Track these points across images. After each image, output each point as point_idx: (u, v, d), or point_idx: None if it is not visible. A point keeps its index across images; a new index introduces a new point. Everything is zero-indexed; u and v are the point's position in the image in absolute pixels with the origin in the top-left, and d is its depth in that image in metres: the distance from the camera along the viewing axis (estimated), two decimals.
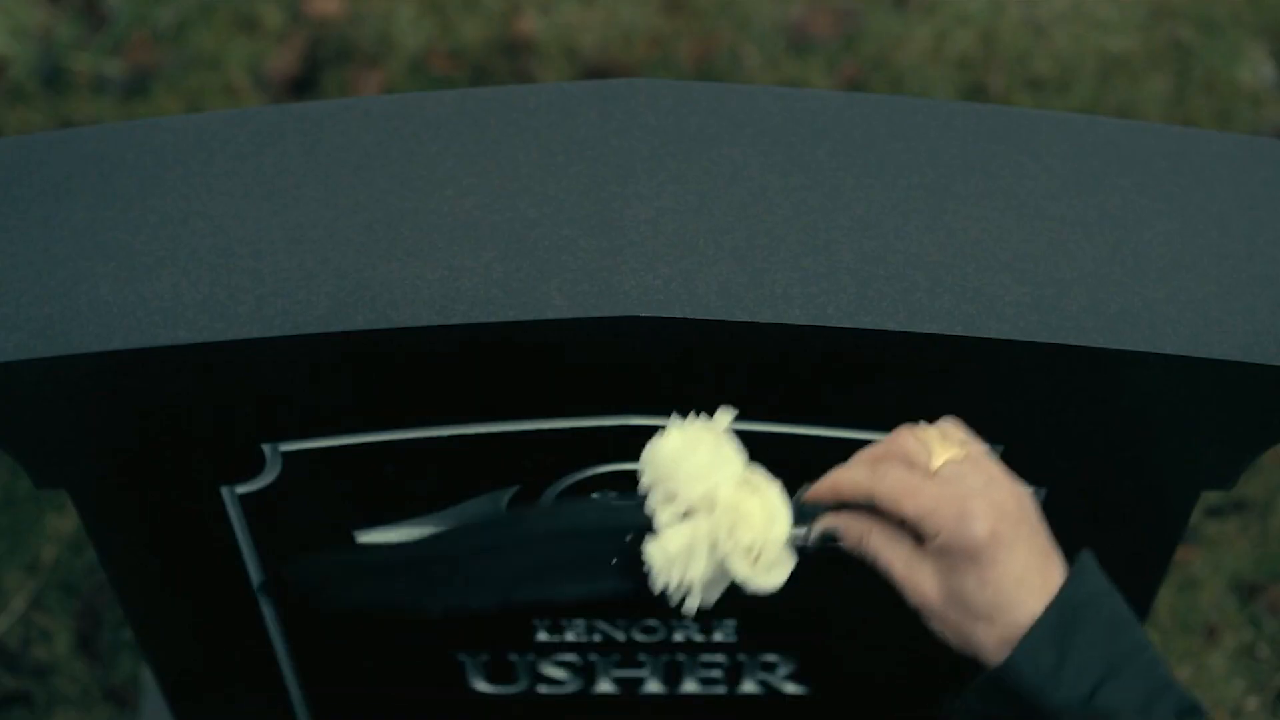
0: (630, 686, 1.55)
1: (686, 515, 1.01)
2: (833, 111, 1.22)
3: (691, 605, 1.02)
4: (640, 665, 1.52)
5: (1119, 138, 1.24)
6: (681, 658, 1.51)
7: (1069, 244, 1.17)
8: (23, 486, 2.02)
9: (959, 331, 1.13)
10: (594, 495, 1.04)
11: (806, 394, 1.21)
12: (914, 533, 1.00)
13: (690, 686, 1.55)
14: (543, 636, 1.47)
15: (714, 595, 1.03)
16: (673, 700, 1.56)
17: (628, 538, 1.02)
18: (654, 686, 1.55)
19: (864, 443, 1.24)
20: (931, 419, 1.22)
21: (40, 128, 2.36)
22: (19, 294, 1.14)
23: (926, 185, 1.19)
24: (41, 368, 1.13)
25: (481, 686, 1.54)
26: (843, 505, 1.03)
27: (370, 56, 2.44)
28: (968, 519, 0.97)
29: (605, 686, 1.54)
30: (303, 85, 2.42)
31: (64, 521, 2.01)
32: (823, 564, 1.39)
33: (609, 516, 1.03)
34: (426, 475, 1.28)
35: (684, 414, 1.23)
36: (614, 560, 1.02)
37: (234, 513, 1.30)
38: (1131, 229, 1.19)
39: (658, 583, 1.02)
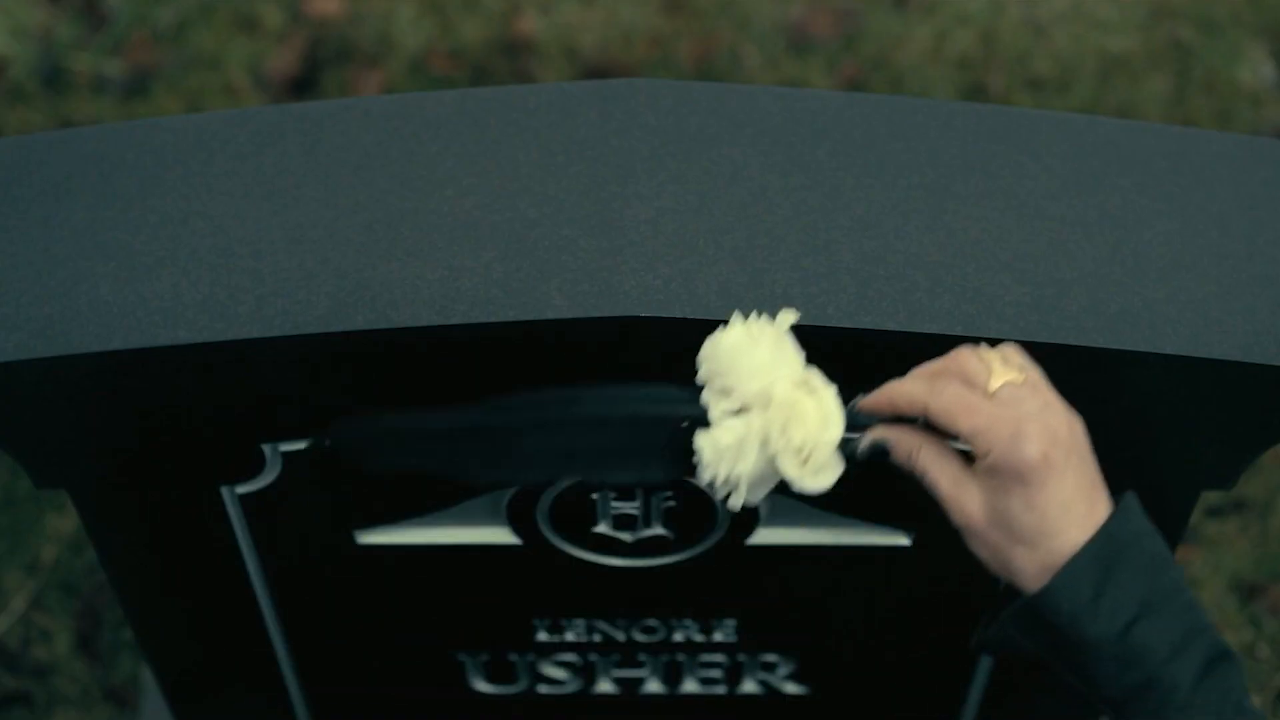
0: (630, 686, 1.55)
1: (740, 411, 1.01)
2: (833, 111, 1.22)
3: (736, 502, 1.02)
4: (640, 665, 1.52)
5: (1119, 138, 1.24)
6: (681, 658, 1.51)
7: (1069, 244, 1.17)
8: (23, 486, 2.03)
9: (959, 331, 1.13)
10: (651, 385, 1.04)
11: None
12: (964, 452, 1.00)
13: (690, 686, 1.55)
14: (543, 636, 1.47)
15: (759, 494, 1.03)
16: (673, 700, 1.56)
17: (681, 427, 1.02)
18: (654, 686, 1.55)
19: None
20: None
21: (40, 128, 2.36)
22: (19, 294, 1.14)
23: (926, 185, 1.19)
24: (41, 368, 1.13)
25: (481, 686, 1.54)
26: (896, 419, 1.03)
27: (370, 56, 2.44)
28: (1021, 440, 0.97)
29: (605, 686, 1.54)
30: (303, 85, 2.42)
31: (64, 521, 2.01)
32: (824, 564, 1.39)
33: (664, 406, 1.02)
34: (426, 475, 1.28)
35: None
36: (664, 450, 1.03)
37: (234, 513, 1.30)
38: (1131, 229, 1.19)
39: (705, 475, 1.01)
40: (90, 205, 1.18)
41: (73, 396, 1.17)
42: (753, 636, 1.48)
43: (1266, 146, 1.25)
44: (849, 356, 1.16)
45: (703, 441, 1.01)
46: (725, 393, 1.02)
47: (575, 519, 1.32)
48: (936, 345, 1.12)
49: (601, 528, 1.33)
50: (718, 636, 1.48)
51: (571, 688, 1.54)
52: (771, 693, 1.56)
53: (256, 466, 1.26)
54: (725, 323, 1.04)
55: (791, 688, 1.55)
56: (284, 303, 1.13)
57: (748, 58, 2.44)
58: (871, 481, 1.30)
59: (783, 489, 1.04)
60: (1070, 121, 1.25)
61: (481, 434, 1.01)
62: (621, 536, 1.34)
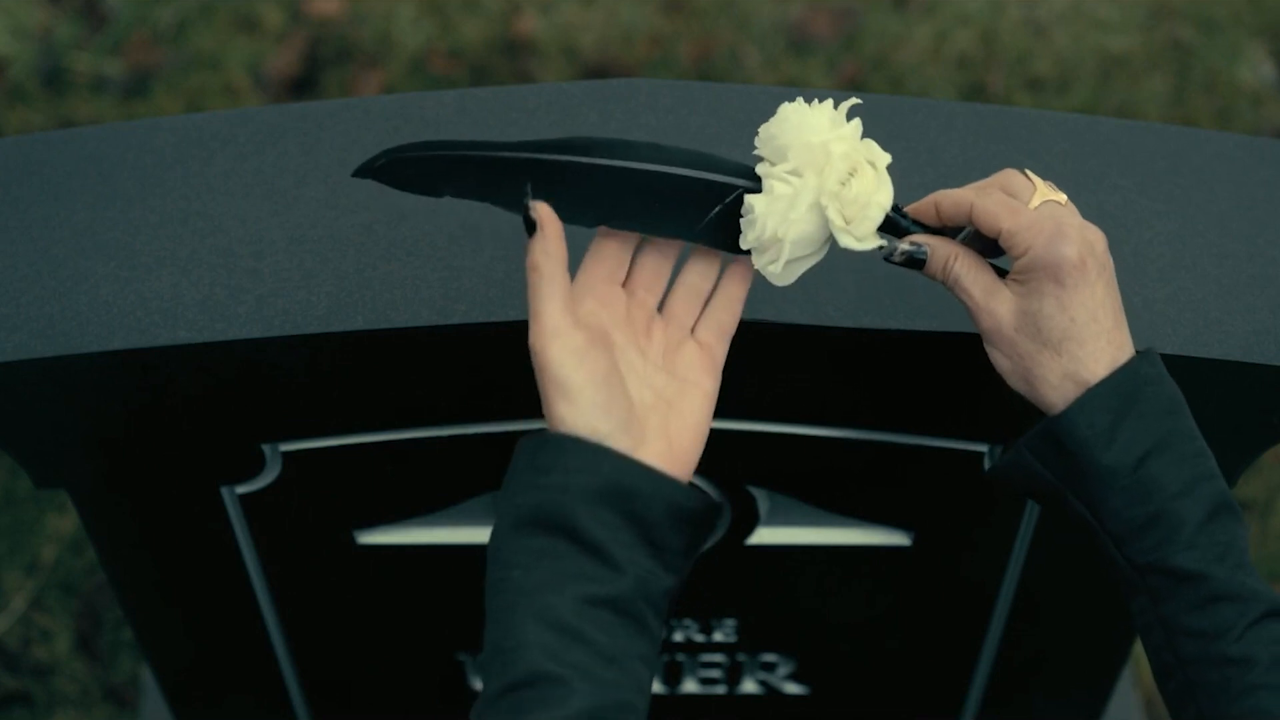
0: None
1: (794, 173, 1.01)
2: None
3: (776, 268, 1.02)
4: None
5: (1119, 138, 1.24)
6: (681, 658, 1.51)
7: None
8: (23, 486, 2.03)
9: (959, 330, 1.13)
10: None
11: (806, 394, 1.21)
12: (997, 272, 1.04)
13: (690, 686, 1.55)
14: None
15: (799, 269, 1.03)
16: (673, 700, 1.56)
17: (732, 195, 1.03)
18: (654, 687, 1.54)
19: (864, 443, 1.24)
20: (933, 419, 1.22)
21: (40, 128, 2.36)
22: (19, 294, 1.14)
23: (927, 185, 1.19)
24: (41, 368, 1.13)
25: (482, 686, 1.54)
26: (938, 232, 1.05)
27: (370, 56, 2.44)
28: (1060, 240, 1.00)
29: None
30: (303, 85, 2.42)
31: (64, 521, 2.01)
32: (823, 565, 1.39)
33: (721, 167, 1.04)
34: (426, 475, 1.28)
35: None
36: (715, 209, 1.03)
37: (234, 513, 1.30)
38: (1131, 229, 1.19)
39: (750, 235, 1.02)
40: (90, 205, 1.19)
41: (73, 396, 1.17)
42: (753, 636, 1.48)
43: (1266, 146, 1.25)
44: (850, 356, 1.16)
45: (754, 199, 1.01)
46: (781, 156, 1.02)
47: None
48: (937, 345, 1.12)
49: None
50: (718, 636, 1.48)
51: None
52: (771, 693, 1.56)
53: (256, 466, 1.26)
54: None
55: (791, 688, 1.55)
56: (284, 303, 1.13)
57: (748, 58, 2.44)
58: (872, 482, 1.30)
59: (814, 274, 1.05)
60: (1070, 121, 1.25)
61: (532, 167, 1.02)
62: None
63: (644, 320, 1.03)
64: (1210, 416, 1.21)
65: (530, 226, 0.98)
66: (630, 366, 1.01)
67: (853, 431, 1.24)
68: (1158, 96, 2.41)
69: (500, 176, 1.02)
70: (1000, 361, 1.04)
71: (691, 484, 1.00)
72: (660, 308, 1.04)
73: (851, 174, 1.00)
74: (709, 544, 1.35)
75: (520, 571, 0.97)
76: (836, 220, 1.00)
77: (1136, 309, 1.15)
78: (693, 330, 1.04)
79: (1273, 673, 0.97)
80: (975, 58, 2.45)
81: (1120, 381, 1.01)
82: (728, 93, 1.24)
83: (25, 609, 1.96)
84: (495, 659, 0.97)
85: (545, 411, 0.98)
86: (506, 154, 1.03)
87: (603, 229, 1.02)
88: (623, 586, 0.95)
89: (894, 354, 1.15)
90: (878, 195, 1.00)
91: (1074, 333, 1.01)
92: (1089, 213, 1.19)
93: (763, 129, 1.03)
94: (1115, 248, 1.18)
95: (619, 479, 0.96)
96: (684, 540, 0.98)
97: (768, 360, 1.16)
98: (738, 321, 1.05)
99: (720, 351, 1.04)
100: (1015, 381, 1.04)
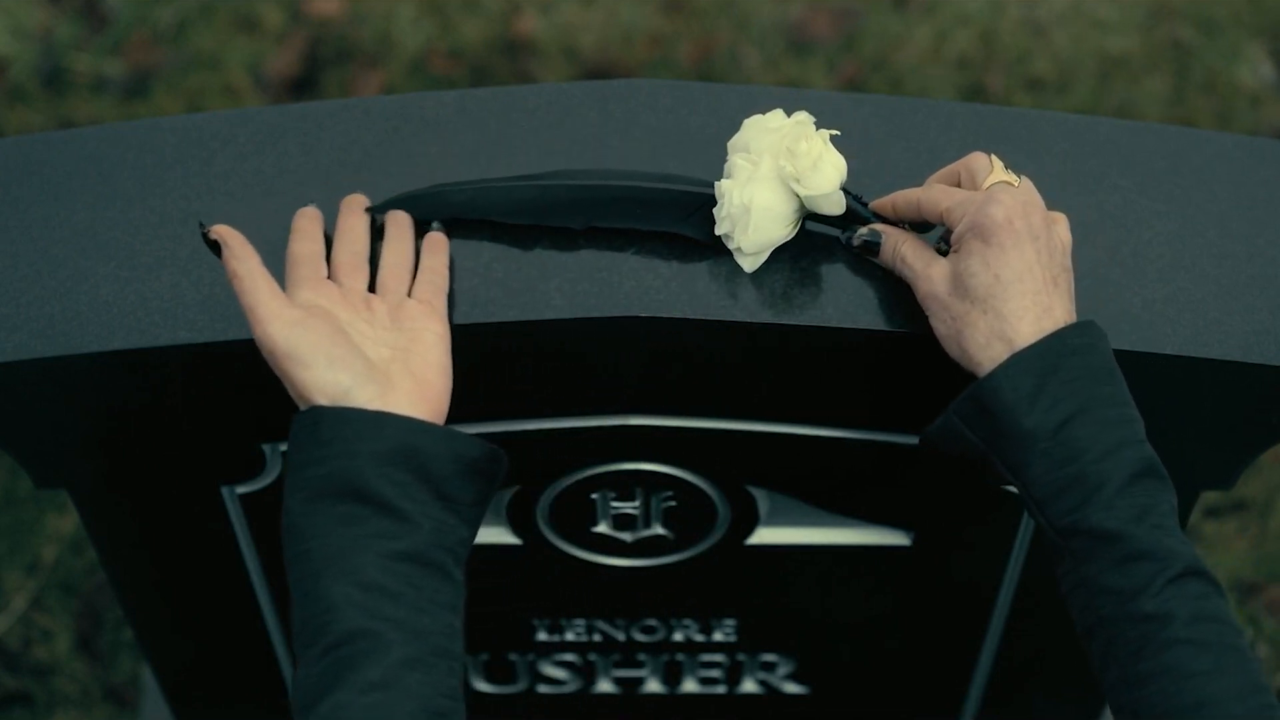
0: (630, 686, 1.55)
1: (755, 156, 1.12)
2: (832, 111, 1.22)
3: (746, 245, 1.11)
4: (640, 665, 1.52)
5: (1119, 138, 1.24)
6: (681, 658, 1.51)
7: None
8: (23, 486, 2.03)
9: None
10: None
11: (806, 394, 1.21)
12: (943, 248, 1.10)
13: (690, 686, 1.55)
14: (543, 636, 1.47)
15: (764, 253, 1.13)
16: (673, 700, 1.56)
17: (707, 200, 1.13)
18: (654, 686, 1.55)
19: (864, 443, 1.24)
20: (934, 419, 1.22)
21: (40, 128, 2.36)
22: (19, 294, 1.14)
23: None
24: (42, 368, 1.13)
25: (481, 686, 1.54)
26: (895, 224, 1.13)
27: (370, 56, 2.44)
28: (990, 203, 1.05)
29: (605, 686, 1.54)
30: (303, 85, 2.42)
31: (64, 521, 2.01)
32: (824, 564, 1.39)
33: (694, 182, 1.14)
34: None
35: (684, 413, 1.23)
36: (688, 210, 1.14)
37: (234, 513, 1.30)
38: (1131, 229, 1.19)
39: (721, 215, 1.12)
40: (90, 205, 1.19)
41: (73, 396, 1.17)
42: (753, 636, 1.48)
43: (1266, 146, 1.25)
44: (849, 356, 1.16)
45: (721, 183, 1.12)
46: (743, 149, 1.12)
47: (575, 519, 1.32)
48: (936, 346, 1.12)
49: (601, 528, 1.33)
50: (718, 636, 1.48)
51: (571, 688, 1.54)
52: (771, 692, 1.56)
53: (256, 466, 1.26)
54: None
55: (791, 687, 1.55)
56: None
57: (748, 58, 2.44)
58: (872, 482, 1.30)
59: (785, 250, 1.14)
60: (1070, 121, 1.25)
61: (521, 189, 1.13)
62: (621, 536, 1.34)
63: (359, 299, 1.08)
64: (1210, 416, 1.21)
65: (215, 249, 1.05)
66: (361, 335, 1.05)
67: (853, 431, 1.24)
68: (1157, 97, 2.41)
69: (503, 199, 1.14)
70: (937, 326, 1.08)
71: (476, 437, 1.05)
72: (374, 289, 1.11)
73: (802, 136, 1.10)
74: (710, 543, 1.35)
75: (319, 541, 1.00)
76: (791, 171, 1.09)
77: (1136, 309, 1.15)
78: (410, 295, 1.11)
79: (1191, 628, 0.98)
80: (975, 58, 2.45)
81: (1046, 347, 1.03)
82: (728, 93, 1.24)
83: (25, 609, 1.96)
84: (308, 627, 1.00)
85: (291, 390, 1.04)
86: (508, 183, 1.13)
87: (293, 235, 1.10)
88: (420, 539, 1.00)
89: (893, 354, 1.15)
90: (828, 154, 1.10)
91: (998, 290, 1.04)
92: (1089, 212, 1.19)
93: (729, 144, 1.14)
94: (1115, 248, 1.18)
95: (405, 439, 1.01)
96: (474, 491, 1.03)
97: (768, 360, 1.17)
98: (448, 280, 1.11)
99: (440, 303, 1.10)
100: (950, 346, 1.07)
